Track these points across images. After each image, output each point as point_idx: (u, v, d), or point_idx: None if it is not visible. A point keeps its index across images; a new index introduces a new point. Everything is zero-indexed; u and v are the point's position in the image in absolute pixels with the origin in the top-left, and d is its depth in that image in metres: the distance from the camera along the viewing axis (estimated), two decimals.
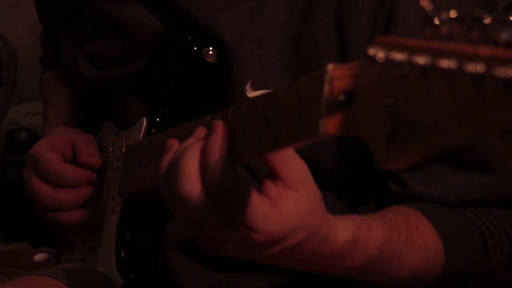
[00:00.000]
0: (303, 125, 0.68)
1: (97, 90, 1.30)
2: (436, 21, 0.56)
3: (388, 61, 0.54)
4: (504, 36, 0.50)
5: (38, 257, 1.56)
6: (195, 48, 1.12)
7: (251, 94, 1.07)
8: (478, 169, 1.03)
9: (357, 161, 1.07)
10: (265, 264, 0.88)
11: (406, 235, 0.95)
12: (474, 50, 0.47)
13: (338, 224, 0.86)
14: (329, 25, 1.06)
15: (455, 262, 1.00)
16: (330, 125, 0.63)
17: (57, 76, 1.44)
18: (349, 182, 1.10)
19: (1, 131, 3.07)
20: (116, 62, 1.22)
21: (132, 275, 1.16)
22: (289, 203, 0.80)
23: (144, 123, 1.19)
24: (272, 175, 0.80)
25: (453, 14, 0.55)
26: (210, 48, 1.10)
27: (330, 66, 0.65)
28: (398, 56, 0.54)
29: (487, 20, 0.52)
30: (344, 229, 0.87)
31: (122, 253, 1.17)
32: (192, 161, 0.80)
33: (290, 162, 0.80)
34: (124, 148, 1.22)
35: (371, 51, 0.57)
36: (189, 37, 1.13)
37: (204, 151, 0.80)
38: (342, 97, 0.62)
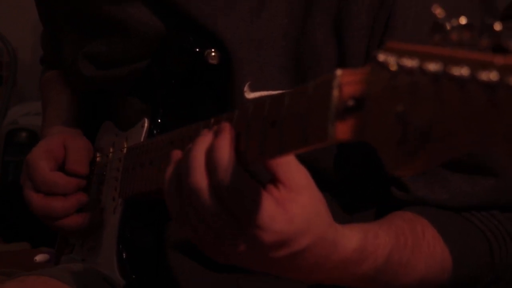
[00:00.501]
0: (311, 129, 0.68)
1: (97, 90, 1.30)
2: (446, 27, 0.55)
3: (399, 68, 0.54)
4: None
5: (39, 257, 1.57)
6: (197, 50, 1.11)
7: (250, 95, 1.07)
8: (481, 173, 1.02)
9: (357, 162, 1.07)
10: None
11: (412, 242, 0.94)
12: (488, 58, 0.47)
13: (345, 231, 0.86)
14: (329, 26, 1.06)
15: (462, 268, 1.00)
16: (340, 130, 0.63)
17: (57, 76, 1.44)
18: (348, 184, 1.10)
19: (1, 131, 3.06)
20: (116, 62, 1.22)
21: (133, 276, 1.16)
22: (295, 205, 0.80)
23: (146, 124, 1.19)
24: (275, 180, 0.80)
25: (463, 20, 0.54)
26: (212, 50, 1.10)
27: (338, 72, 0.64)
28: (409, 62, 0.54)
29: (497, 27, 0.52)
30: (352, 237, 0.86)
31: (124, 254, 1.17)
32: (200, 159, 0.81)
33: (292, 167, 0.80)
34: (125, 149, 1.22)
35: (381, 57, 0.56)
36: (191, 38, 1.13)
37: (212, 152, 0.80)
38: (351, 103, 0.62)
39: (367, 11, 1.03)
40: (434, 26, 0.56)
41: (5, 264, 1.80)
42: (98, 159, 1.29)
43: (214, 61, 1.10)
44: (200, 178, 0.80)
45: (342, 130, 0.63)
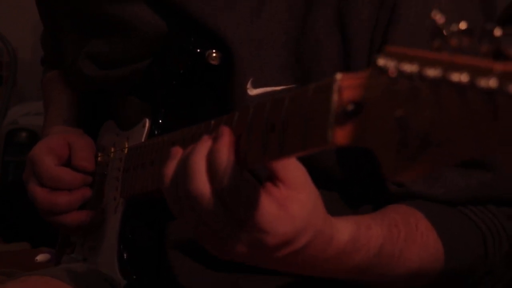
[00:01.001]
0: (311, 133, 0.68)
1: (98, 90, 1.30)
2: (445, 32, 0.55)
3: (398, 73, 0.54)
4: None
5: (40, 257, 1.57)
6: (198, 50, 1.12)
7: (252, 92, 1.08)
8: (477, 167, 1.02)
9: (355, 160, 1.07)
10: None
11: (405, 234, 0.95)
12: (487, 64, 0.47)
13: (338, 224, 0.87)
14: (329, 25, 1.06)
15: (455, 260, 1.00)
16: (339, 135, 0.63)
17: (58, 76, 1.44)
18: (347, 181, 1.10)
19: (1, 131, 3.06)
20: (117, 62, 1.22)
21: (134, 277, 1.17)
22: (296, 204, 0.80)
23: (147, 124, 1.19)
24: (273, 177, 0.81)
25: (463, 26, 0.54)
26: (213, 51, 1.10)
27: (338, 76, 0.64)
28: (409, 67, 0.53)
29: (497, 33, 0.52)
30: (344, 229, 0.87)
31: (125, 254, 1.17)
32: (201, 164, 0.81)
33: (290, 165, 0.80)
34: (126, 149, 1.22)
35: (381, 62, 0.56)
36: (192, 39, 1.13)
37: (211, 157, 0.80)
38: (350, 107, 0.61)
39: (370, 5, 1.03)
40: (434, 31, 0.56)
41: (5, 264, 1.80)
42: (99, 158, 1.29)
43: (215, 62, 1.11)
44: (201, 182, 0.80)
45: (342, 136, 0.63)
